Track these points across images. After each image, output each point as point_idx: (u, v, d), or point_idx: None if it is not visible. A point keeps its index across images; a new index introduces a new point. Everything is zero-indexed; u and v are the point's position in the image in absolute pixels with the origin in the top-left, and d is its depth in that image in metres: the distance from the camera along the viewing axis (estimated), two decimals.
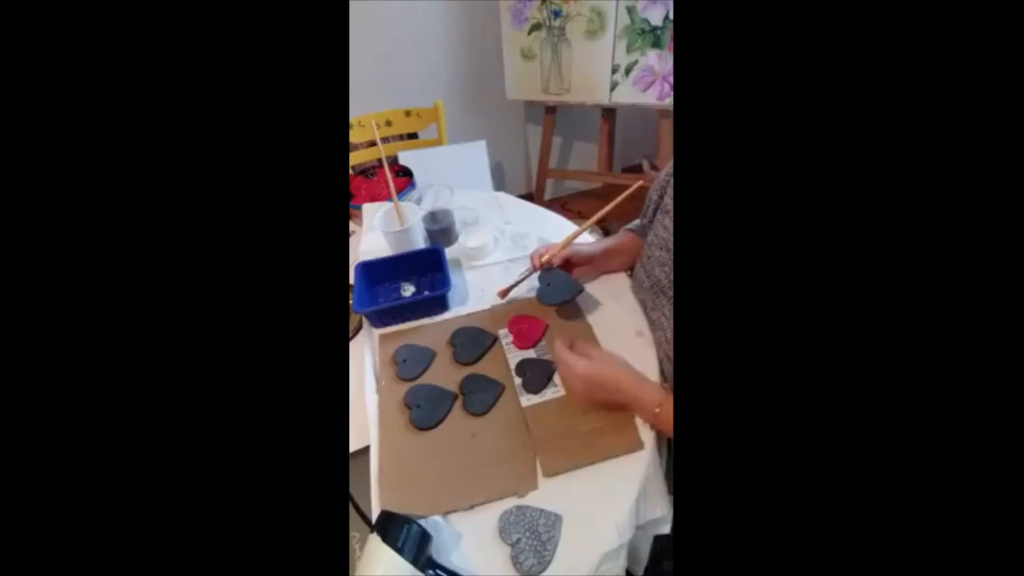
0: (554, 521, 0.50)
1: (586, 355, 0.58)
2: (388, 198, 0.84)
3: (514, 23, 1.50)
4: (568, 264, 0.74)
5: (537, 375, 0.64)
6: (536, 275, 0.73)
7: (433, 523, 0.50)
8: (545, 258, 0.72)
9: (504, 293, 0.76)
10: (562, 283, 0.70)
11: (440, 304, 0.76)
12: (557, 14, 1.44)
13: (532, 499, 0.53)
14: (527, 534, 0.49)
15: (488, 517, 0.51)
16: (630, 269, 0.79)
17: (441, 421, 0.61)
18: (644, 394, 0.55)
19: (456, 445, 0.58)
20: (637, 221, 0.78)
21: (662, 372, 0.64)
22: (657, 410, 0.54)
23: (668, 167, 0.70)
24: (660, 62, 1.38)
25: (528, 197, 1.18)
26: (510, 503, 0.51)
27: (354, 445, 0.60)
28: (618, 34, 1.39)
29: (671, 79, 1.38)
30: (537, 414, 0.60)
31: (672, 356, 0.62)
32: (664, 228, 0.66)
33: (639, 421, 0.58)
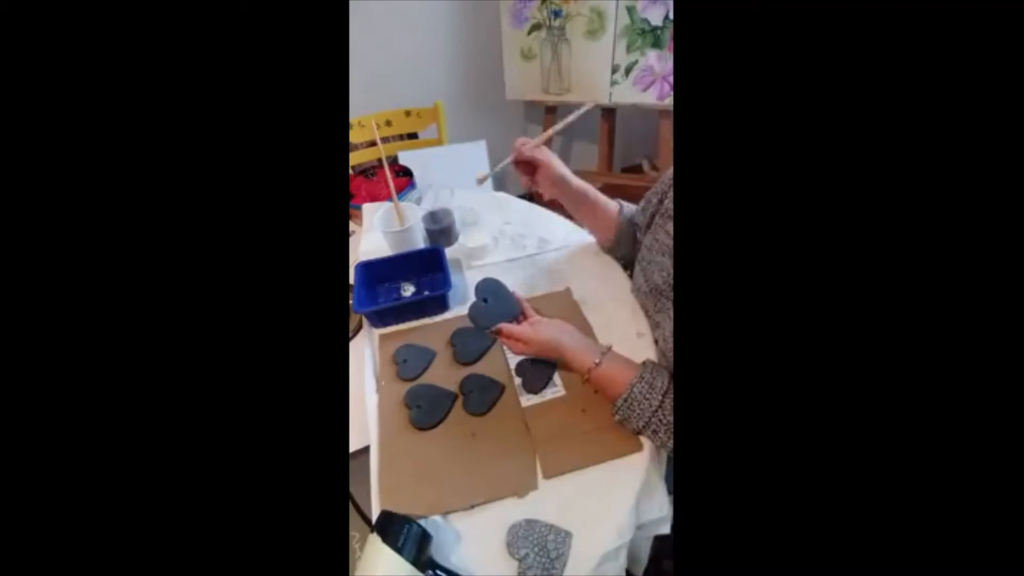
0: (564, 538, 0.49)
1: (530, 327, 0.62)
2: (388, 198, 0.84)
3: (514, 23, 1.50)
4: (538, 171, 0.72)
5: (537, 375, 0.64)
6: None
7: (433, 523, 0.50)
8: (528, 147, 0.70)
9: (482, 179, 0.76)
10: (502, 302, 0.65)
11: (440, 304, 0.76)
12: (557, 14, 1.44)
13: (534, 503, 0.53)
14: (535, 550, 0.48)
15: (492, 522, 0.51)
16: (609, 245, 0.80)
17: (441, 421, 0.61)
18: (581, 359, 0.59)
19: (456, 445, 0.58)
20: (634, 207, 0.78)
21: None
22: (586, 376, 0.58)
23: (669, 173, 0.70)
24: (660, 62, 1.38)
25: (528, 197, 1.18)
26: (519, 516, 0.51)
27: (354, 445, 0.60)
28: (618, 34, 1.39)
29: (671, 79, 1.38)
30: (537, 414, 0.60)
31: (668, 354, 0.62)
32: (666, 233, 0.65)
33: None
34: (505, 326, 0.62)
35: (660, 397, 0.53)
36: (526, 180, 0.74)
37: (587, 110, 0.70)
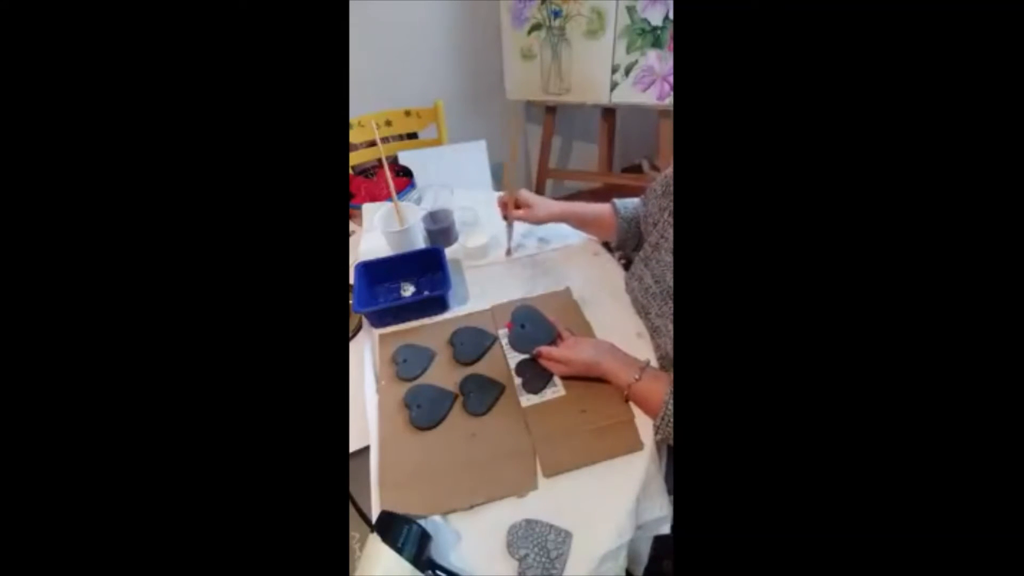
0: (564, 538, 0.49)
1: (568, 348, 0.63)
2: (388, 198, 0.84)
3: (514, 23, 1.50)
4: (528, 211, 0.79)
5: (537, 375, 0.64)
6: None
7: (433, 523, 0.50)
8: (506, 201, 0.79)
9: (509, 252, 0.85)
10: (538, 327, 0.68)
11: (440, 304, 0.76)
12: (557, 14, 1.43)
13: (534, 503, 0.53)
14: (536, 550, 0.48)
15: (492, 522, 0.51)
16: (606, 245, 0.81)
17: (441, 421, 0.61)
18: (620, 377, 0.59)
19: (456, 445, 0.58)
20: (633, 200, 0.77)
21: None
22: (626, 392, 0.59)
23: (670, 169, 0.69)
24: (660, 62, 1.38)
25: None
26: (519, 516, 0.51)
27: (354, 445, 0.60)
28: (618, 34, 1.39)
29: (671, 79, 1.38)
30: (537, 414, 0.60)
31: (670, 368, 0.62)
32: None
33: (639, 421, 0.58)
34: (545, 349, 0.63)
35: None
36: (524, 213, 0.79)
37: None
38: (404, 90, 1.58)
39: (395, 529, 0.44)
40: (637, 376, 0.58)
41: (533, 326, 0.68)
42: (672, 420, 0.54)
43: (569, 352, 0.62)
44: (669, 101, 1.42)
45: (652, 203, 0.70)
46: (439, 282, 0.78)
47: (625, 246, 0.80)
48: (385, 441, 0.60)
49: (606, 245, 0.85)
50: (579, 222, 0.82)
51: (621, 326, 0.70)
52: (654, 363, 0.63)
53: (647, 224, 0.71)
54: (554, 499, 0.53)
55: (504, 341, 0.70)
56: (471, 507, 0.53)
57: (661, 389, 0.55)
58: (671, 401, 0.54)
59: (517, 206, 0.80)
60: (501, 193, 0.82)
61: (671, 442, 0.56)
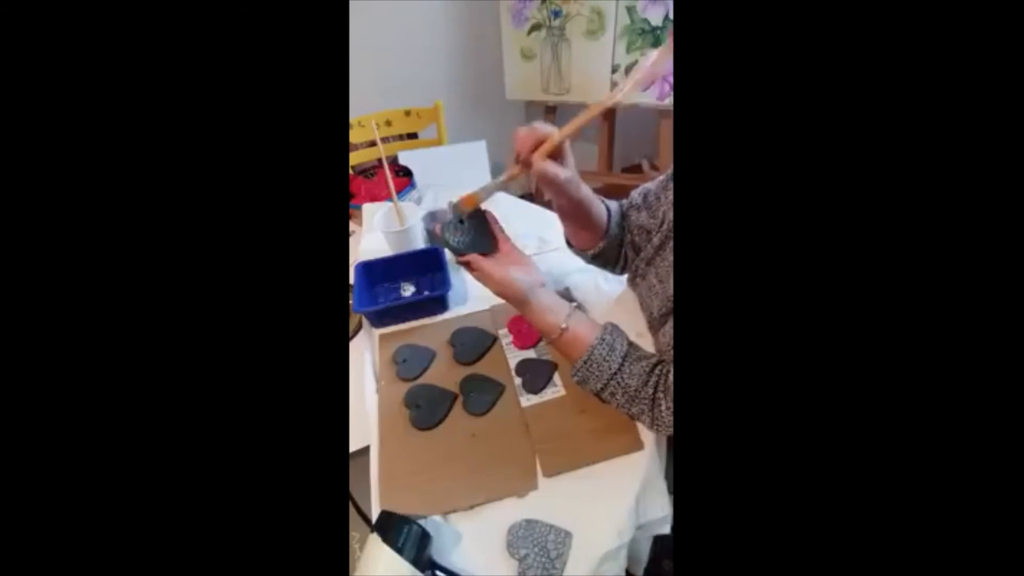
0: (564, 537, 0.49)
1: (504, 263, 0.58)
2: (388, 198, 0.84)
3: (514, 23, 1.50)
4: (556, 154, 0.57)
5: (537, 375, 0.64)
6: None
7: (433, 523, 0.50)
8: (541, 153, 0.54)
9: (465, 206, 0.60)
10: (478, 233, 0.60)
11: (440, 304, 0.76)
12: (557, 14, 1.44)
13: (534, 503, 0.53)
14: (536, 550, 0.48)
15: (492, 522, 0.51)
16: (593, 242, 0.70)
17: (441, 421, 0.61)
18: (548, 319, 0.56)
19: (456, 445, 0.58)
20: (615, 204, 0.72)
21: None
22: (554, 336, 0.56)
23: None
24: None
25: (528, 197, 1.18)
26: (519, 516, 0.51)
27: (354, 445, 0.60)
28: (618, 34, 1.39)
29: (671, 79, 1.38)
30: (537, 414, 0.60)
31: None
32: None
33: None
34: (475, 257, 0.57)
35: (620, 360, 0.54)
36: (520, 170, 0.59)
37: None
38: (404, 90, 1.58)
39: (395, 529, 0.44)
40: (564, 326, 0.55)
41: (478, 229, 0.60)
42: (596, 366, 0.54)
43: (500, 271, 0.55)
44: (669, 101, 1.42)
45: (664, 204, 0.67)
46: (439, 282, 0.78)
47: (605, 252, 0.70)
48: (385, 441, 0.60)
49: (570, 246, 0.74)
50: (573, 221, 0.69)
51: (622, 326, 0.69)
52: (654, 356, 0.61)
53: (643, 232, 0.69)
54: (554, 499, 0.53)
55: (505, 341, 0.69)
56: (471, 507, 0.53)
57: (588, 335, 0.55)
58: (599, 347, 0.54)
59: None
60: (532, 128, 0.55)
61: (589, 387, 0.56)
